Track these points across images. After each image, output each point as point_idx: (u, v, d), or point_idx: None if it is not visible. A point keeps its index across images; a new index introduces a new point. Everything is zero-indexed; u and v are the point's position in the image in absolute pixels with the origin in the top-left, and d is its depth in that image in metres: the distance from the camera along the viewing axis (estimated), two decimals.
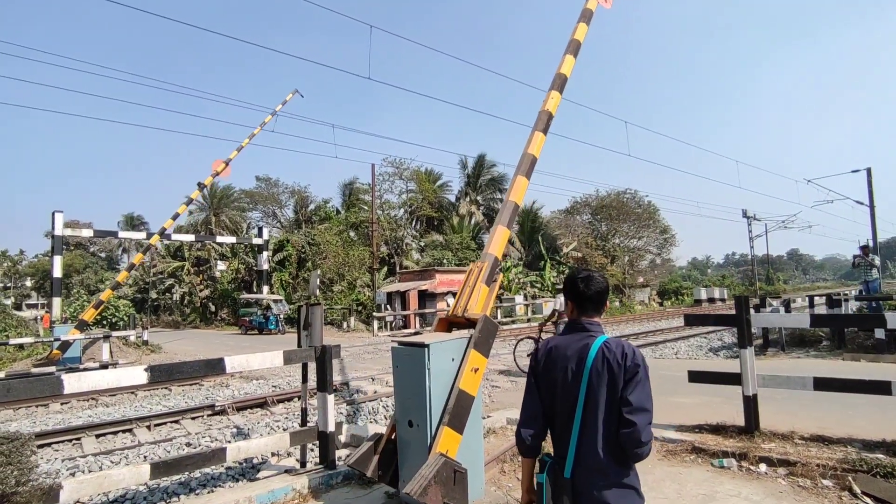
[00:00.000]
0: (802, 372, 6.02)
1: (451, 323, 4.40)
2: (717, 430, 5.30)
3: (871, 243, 22.79)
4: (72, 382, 3.51)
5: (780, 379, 5.28)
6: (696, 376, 5.64)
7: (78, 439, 7.47)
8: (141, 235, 27.47)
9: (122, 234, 27.74)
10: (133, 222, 54.53)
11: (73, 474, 5.84)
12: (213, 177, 19.67)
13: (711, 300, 47.38)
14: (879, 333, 11.11)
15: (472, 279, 4.53)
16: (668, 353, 15.26)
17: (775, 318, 9.87)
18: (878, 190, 25.87)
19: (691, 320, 6.17)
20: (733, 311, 5.40)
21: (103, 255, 58.40)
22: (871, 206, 25.59)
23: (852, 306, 14.95)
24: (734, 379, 5.28)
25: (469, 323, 4.19)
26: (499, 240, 4.94)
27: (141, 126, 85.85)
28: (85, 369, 13.44)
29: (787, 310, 17.20)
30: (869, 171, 25.93)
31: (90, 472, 5.96)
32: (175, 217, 19.38)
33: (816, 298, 20.24)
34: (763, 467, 4.45)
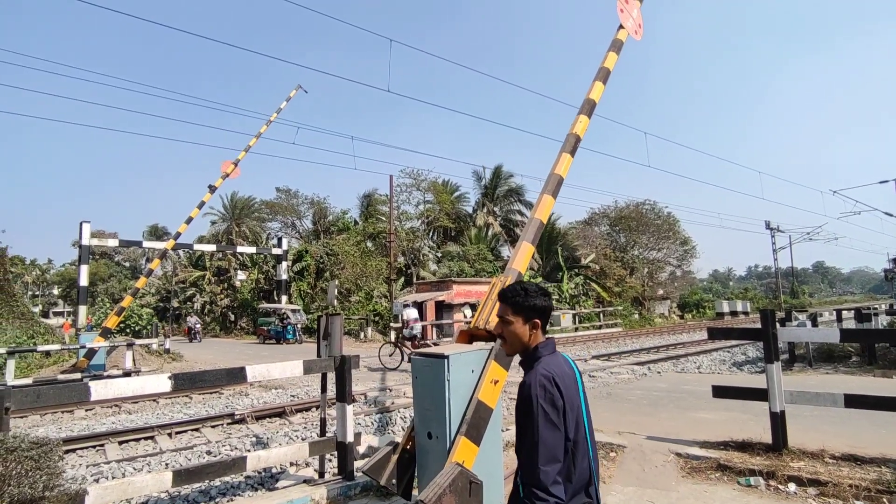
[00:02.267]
0: (832, 388, 5.85)
1: (472, 335, 4.40)
2: (744, 447, 5.16)
3: None
4: (99, 389, 3.59)
5: (809, 395, 5.13)
6: (720, 391, 5.53)
7: (101, 445, 7.60)
8: (164, 245, 28.03)
9: (146, 244, 28.33)
10: (157, 232, 55.79)
11: (97, 480, 5.93)
12: (223, 178, 19.74)
13: (734, 313, 46.43)
14: None
15: (495, 293, 4.53)
16: (690, 367, 14.93)
17: (803, 332, 9.62)
18: None
19: (715, 334, 6.06)
20: (758, 325, 5.30)
21: (127, 264, 59.84)
22: None
23: (883, 321, 14.50)
24: (760, 395, 5.16)
25: (490, 335, 4.18)
26: (523, 255, 5.00)
27: (167, 139, 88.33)
28: (108, 376, 13.71)
29: (814, 324, 16.75)
30: None
31: (113, 478, 6.05)
32: (188, 221, 19.20)
33: (844, 312, 19.64)
34: (792, 487, 4.31)
